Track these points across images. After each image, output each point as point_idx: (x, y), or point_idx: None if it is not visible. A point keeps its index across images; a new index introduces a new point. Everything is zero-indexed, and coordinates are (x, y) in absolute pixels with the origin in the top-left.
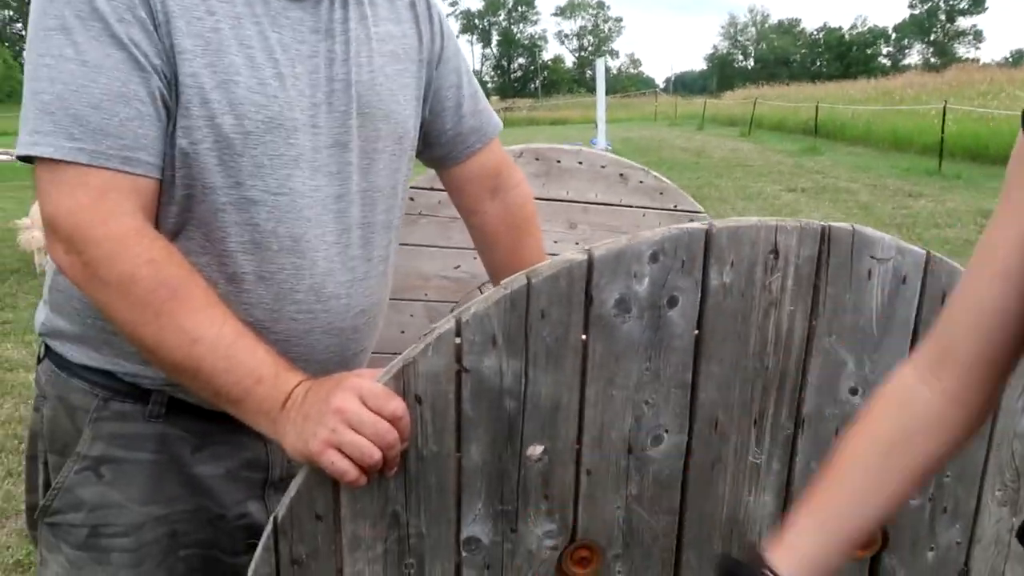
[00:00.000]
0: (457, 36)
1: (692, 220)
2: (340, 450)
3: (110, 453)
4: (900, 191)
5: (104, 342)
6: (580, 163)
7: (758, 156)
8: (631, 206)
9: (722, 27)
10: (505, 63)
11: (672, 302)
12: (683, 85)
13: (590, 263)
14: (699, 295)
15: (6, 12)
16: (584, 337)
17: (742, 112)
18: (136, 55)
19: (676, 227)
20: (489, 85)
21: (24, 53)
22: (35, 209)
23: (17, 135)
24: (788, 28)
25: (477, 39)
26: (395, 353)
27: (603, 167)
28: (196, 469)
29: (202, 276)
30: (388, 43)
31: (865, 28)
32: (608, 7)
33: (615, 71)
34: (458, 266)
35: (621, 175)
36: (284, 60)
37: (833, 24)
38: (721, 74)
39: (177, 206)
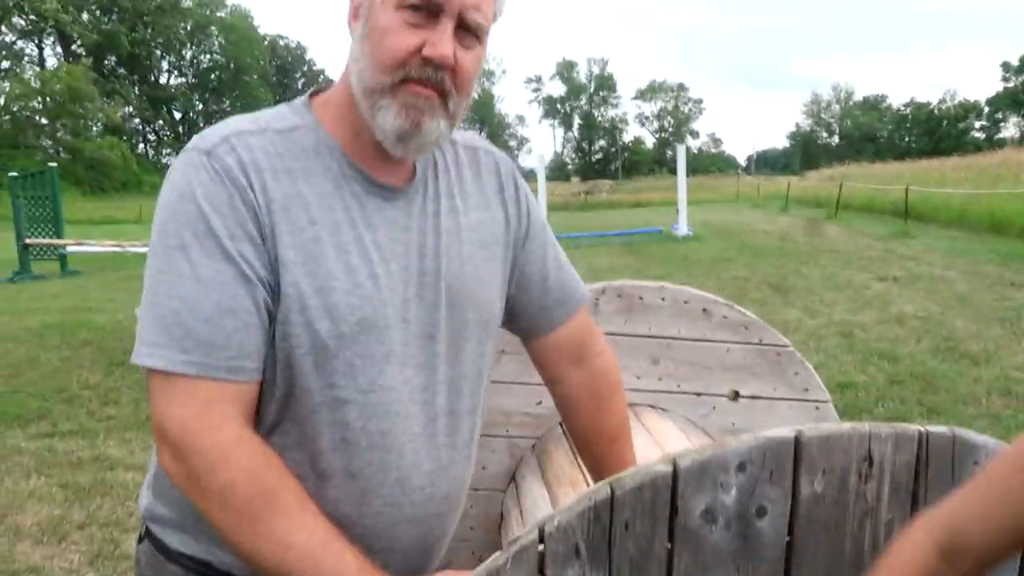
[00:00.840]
0: (539, 121)
1: (779, 354)
2: None
3: None
4: (1001, 279)
5: (201, 531)
6: (662, 299)
7: (846, 241)
8: (715, 341)
9: (805, 104)
10: (586, 145)
11: (761, 512)
12: (765, 163)
13: (675, 474)
14: (789, 505)
15: (127, 108)
16: (669, 547)
17: (828, 192)
18: (245, 269)
19: (763, 436)
20: (570, 167)
21: (146, 264)
22: None
23: (126, 222)
24: (874, 104)
25: (559, 123)
26: (476, 489)
27: (686, 303)
28: None
29: (294, 475)
30: (477, 231)
31: (955, 102)
32: (688, 89)
33: (696, 151)
34: (540, 402)
35: (704, 310)
36: (378, 259)
37: (921, 99)
38: (805, 152)
39: (276, 404)
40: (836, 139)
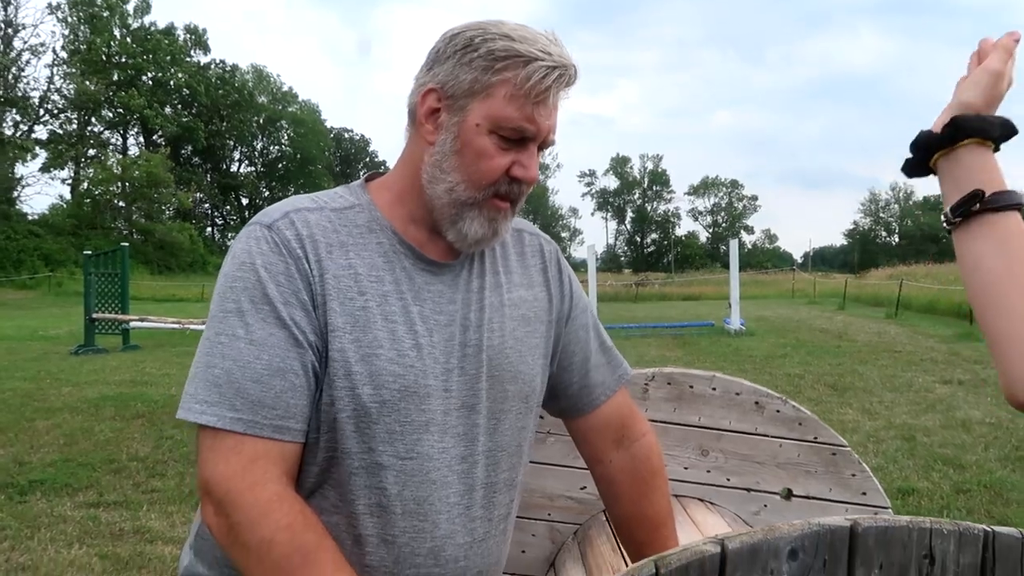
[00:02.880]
0: (592, 213)
1: (835, 454)
2: None
3: None
4: None
5: None
6: (713, 389)
7: (907, 341)
8: (767, 435)
9: (862, 203)
10: (638, 238)
11: None
12: (822, 261)
13: (723, 556)
14: None
15: (198, 194)
16: None
17: (887, 292)
18: (296, 333)
19: (817, 523)
20: (622, 259)
21: (204, 328)
22: None
23: (188, 300)
24: (934, 204)
25: (612, 216)
26: (513, 574)
27: (737, 394)
28: None
29: (332, 538)
30: (520, 308)
31: None
32: (743, 186)
33: (750, 246)
34: (584, 487)
35: (756, 403)
36: (423, 331)
37: None
38: (863, 250)
39: (318, 467)
40: (896, 239)
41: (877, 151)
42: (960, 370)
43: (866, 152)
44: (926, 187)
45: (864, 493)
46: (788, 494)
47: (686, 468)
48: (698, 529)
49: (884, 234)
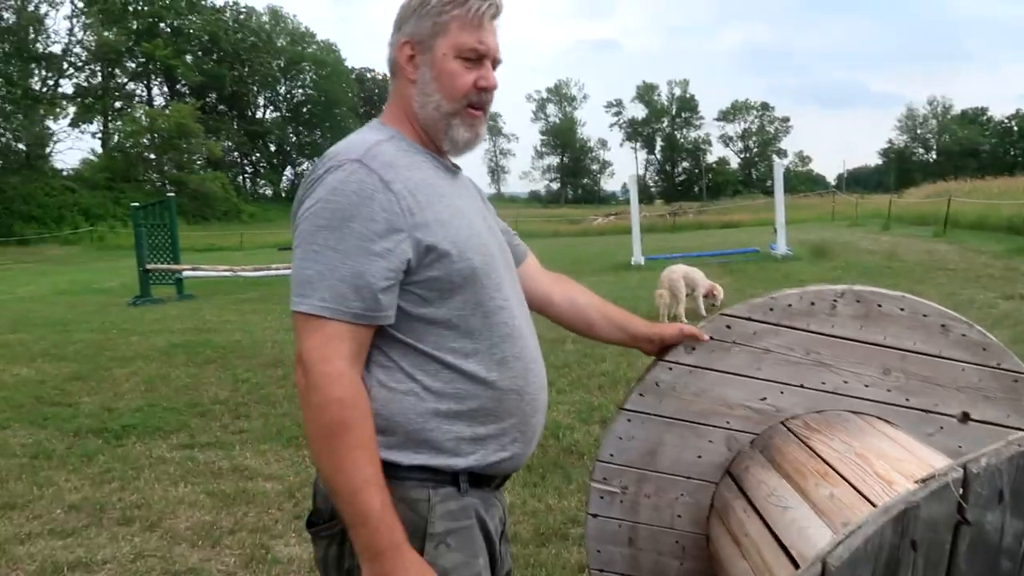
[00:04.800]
0: (621, 144)
1: (1016, 380)
2: None
3: (448, 527)
4: None
5: (421, 444)
6: (901, 309)
7: (960, 259)
8: (951, 359)
9: (899, 120)
10: (668, 167)
11: None
12: (856, 182)
13: None
14: None
15: (227, 143)
16: None
17: (932, 210)
18: (377, 246)
19: None
20: (652, 189)
21: (298, 241)
22: (664, 275)
23: (229, 249)
24: (973, 117)
25: (641, 146)
26: (688, 477)
27: (925, 316)
28: (488, 525)
29: (482, 377)
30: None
31: None
32: (773, 108)
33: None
34: (764, 398)
35: (943, 326)
36: (473, 215)
37: None
38: (900, 169)
39: (476, 320)
40: (934, 155)
41: (896, 64)
42: (1021, 285)
43: (885, 66)
44: (964, 100)
45: None
46: (965, 417)
47: (867, 386)
48: (894, 441)
49: (921, 151)
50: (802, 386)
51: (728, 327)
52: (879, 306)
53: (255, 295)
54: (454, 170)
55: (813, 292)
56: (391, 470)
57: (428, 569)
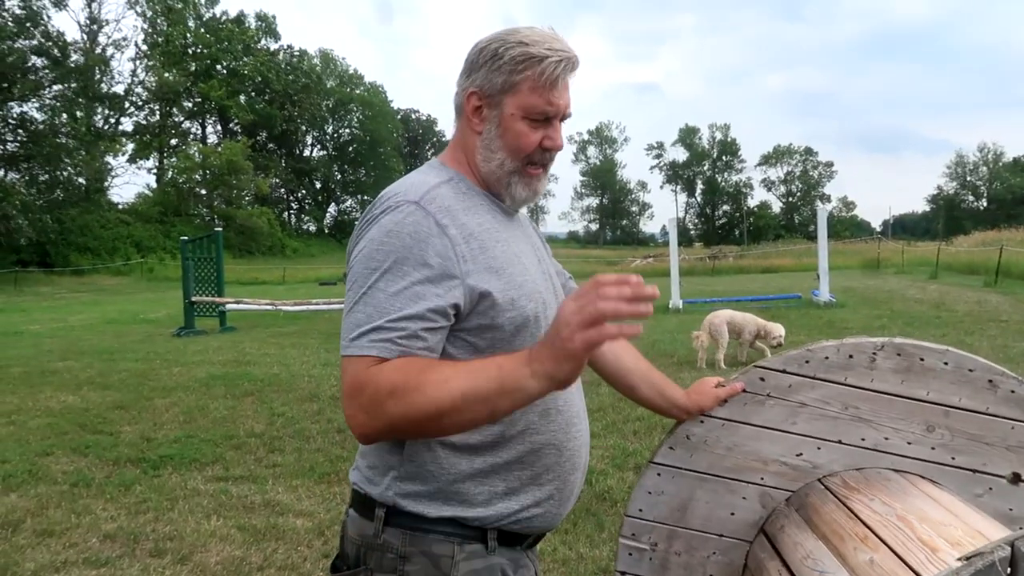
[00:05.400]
0: (661, 187)
1: None
2: (592, 325)
3: None
4: None
5: (451, 496)
6: (945, 364)
7: (1012, 310)
8: (999, 416)
9: (948, 166)
10: (709, 211)
11: None
12: (903, 228)
13: None
14: None
15: (274, 180)
16: None
17: (981, 259)
18: (426, 290)
19: None
20: (692, 232)
21: (350, 283)
22: (708, 319)
23: (271, 283)
24: None
25: (681, 188)
26: (721, 535)
27: (971, 371)
28: None
29: (527, 421)
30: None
31: None
32: (817, 153)
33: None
34: (800, 454)
35: (990, 381)
36: (528, 262)
37: None
38: (949, 216)
39: None
40: (984, 202)
41: (945, 110)
42: None
43: (933, 111)
44: (1016, 147)
45: None
46: (1015, 479)
47: (909, 443)
48: (938, 503)
49: (971, 198)
50: (840, 442)
51: (762, 379)
52: (921, 360)
53: (294, 329)
54: (511, 212)
55: (851, 344)
56: (415, 521)
57: (571, 348)
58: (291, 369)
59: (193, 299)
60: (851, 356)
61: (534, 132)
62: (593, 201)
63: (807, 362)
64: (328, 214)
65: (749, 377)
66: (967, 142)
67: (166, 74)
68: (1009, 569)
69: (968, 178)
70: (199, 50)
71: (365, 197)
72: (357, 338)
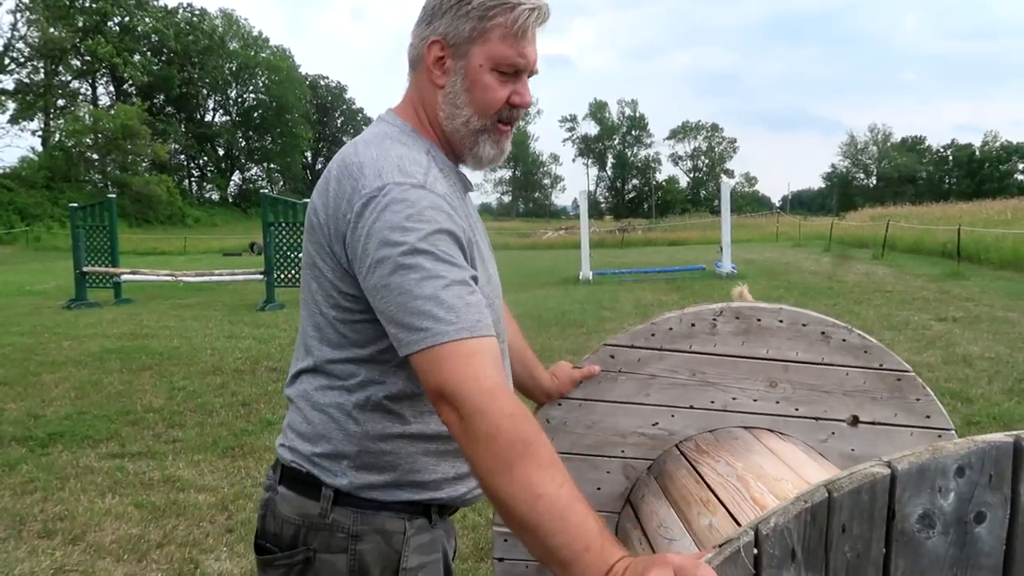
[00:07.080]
0: (573, 159)
1: (899, 379)
2: None
3: (421, 561)
4: None
5: (405, 484)
6: (780, 321)
7: (896, 281)
8: (834, 364)
9: (841, 145)
10: (619, 184)
11: (979, 518)
12: (800, 203)
13: (893, 476)
14: (1008, 511)
15: (173, 145)
16: (885, 552)
17: (871, 232)
18: (466, 269)
19: (982, 440)
20: (603, 205)
21: (380, 278)
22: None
23: (171, 253)
24: (912, 146)
25: (592, 162)
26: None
27: (804, 325)
28: (448, 556)
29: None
30: None
31: (997, 144)
32: (722, 129)
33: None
34: (656, 423)
35: (823, 333)
36: (487, 254)
37: (961, 141)
38: (842, 192)
39: None
40: (874, 180)
41: (840, 92)
42: (953, 307)
43: (829, 92)
44: (904, 129)
45: (928, 416)
46: (854, 421)
47: (755, 400)
48: (777, 457)
49: (862, 176)
50: (692, 407)
51: (612, 356)
52: (758, 320)
53: (196, 301)
54: (469, 187)
55: (692, 313)
56: (367, 504)
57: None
58: (192, 342)
59: (85, 269)
60: (693, 324)
61: (502, 87)
62: (505, 173)
63: (653, 335)
64: (232, 182)
65: (600, 356)
66: (859, 123)
67: (51, 29)
68: (755, 551)
69: (859, 157)
70: (87, 4)
71: (272, 165)
72: (428, 326)
